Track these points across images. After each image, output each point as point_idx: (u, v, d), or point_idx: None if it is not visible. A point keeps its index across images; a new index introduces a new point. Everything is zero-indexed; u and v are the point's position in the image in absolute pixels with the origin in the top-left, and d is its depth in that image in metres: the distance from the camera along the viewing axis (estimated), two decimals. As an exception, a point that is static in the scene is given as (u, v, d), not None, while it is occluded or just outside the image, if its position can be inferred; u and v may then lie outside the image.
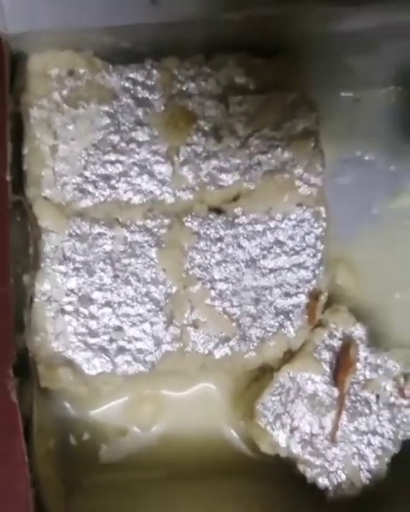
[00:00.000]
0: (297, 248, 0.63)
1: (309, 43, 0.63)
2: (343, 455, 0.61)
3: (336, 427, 0.61)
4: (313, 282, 0.63)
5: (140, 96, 0.62)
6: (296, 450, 0.61)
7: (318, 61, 0.65)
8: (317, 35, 0.62)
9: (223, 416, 0.67)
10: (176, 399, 0.67)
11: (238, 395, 0.66)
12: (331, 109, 0.71)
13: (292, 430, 0.61)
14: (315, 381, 0.62)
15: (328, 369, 0.62)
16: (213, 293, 0.61)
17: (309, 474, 0.61)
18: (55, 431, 0.65)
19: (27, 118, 0.61)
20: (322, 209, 0.63)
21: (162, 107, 0.62)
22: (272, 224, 0.62)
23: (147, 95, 0.62)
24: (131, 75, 0.62)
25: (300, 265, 0.62)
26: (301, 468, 0.61)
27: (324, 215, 0.63)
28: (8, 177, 0.56)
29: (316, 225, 0.63)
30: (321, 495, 0.62)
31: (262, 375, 0.65)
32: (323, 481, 0.61)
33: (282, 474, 0.64)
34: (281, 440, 0.61)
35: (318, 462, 0.61)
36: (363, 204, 0.71)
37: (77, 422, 0.66)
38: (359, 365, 0.63)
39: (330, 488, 0.61)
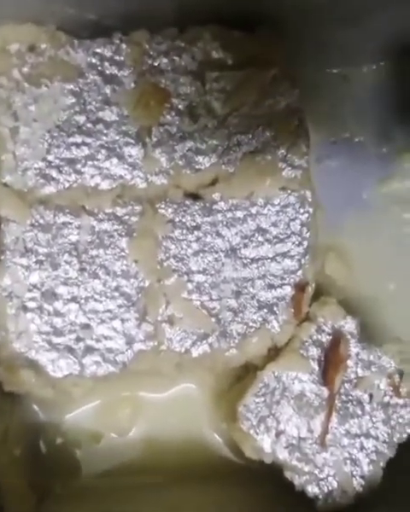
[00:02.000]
0: (281, 236, 0.59)
1: (291, 13, 0.60)
2: (334, 460, 0.58)
3: (325, 430, 0.58)
4: (299, 272, 0.60)
5: (108, 72, 0.59)
6: (283, 455, 0.58)
7: (301, 34, 0.62)
8: (300, 5, 0.59)
9: (205, 418, 0.64)
10: (155, 401, 0.64)
11: (220, 395, 0.63)
12: (317, 87, 0.68)
13: (278, 434, 0.58)
14: (302, 380, 0.59)
15: (316, 367, 0.59)
16: (190, 286, 0.58)
17: (297, 481, 0.58)
18: (24, 437, 0.62)
19: None
20: (308, 193, 0.60)
21: (132, 85, 0.59)
22: (253, 210, 0.59)
23: (116, 71, 0.59)
24: (99, 50, 0.59)
25: (284, 255, 0.59)
26: (288, 474, 0.58)
27: (309, 199, 0.60)
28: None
29: (301, 211, 0.60)
30: (312, 502, 0.59)
31: (245, 373, 0.62)
32: (312, 489, 0.58)
33: (269, 478, 0.60)
34: (266, 445, 0.57)
35: (306, 469, 0.58)
36: (353, 189, 0.69)
37: (48, 427, 0.63)
38: (350, 362, 0.60)
39: (321, 496, 0.58)
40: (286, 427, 0.58)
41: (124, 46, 0.59)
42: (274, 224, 0.59)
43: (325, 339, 0.60)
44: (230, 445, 0.63)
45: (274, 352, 0.60)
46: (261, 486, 0.62)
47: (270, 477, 0.60)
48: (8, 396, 0.58)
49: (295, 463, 0.58)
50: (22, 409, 0.62)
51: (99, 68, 0.59)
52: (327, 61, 0.68)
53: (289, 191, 0.60)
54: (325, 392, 0.59)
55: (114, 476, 0.63)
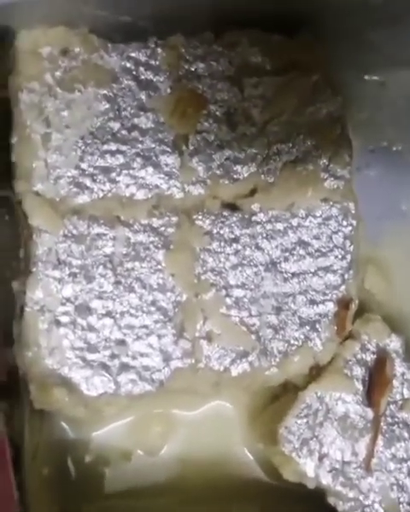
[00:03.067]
0: (323, 249, 0.58)
1: (331, 17, 0.59)
2: (380, 486, 0.56)
3: (371, 453, 0.56)
4: (342, 287, 0.58)
5: (143, 77, 0.57)
6: (326, 480, 0.55)
7: (339, 38, 0.61)
8: (340, 8, 0.58)
9: (238, 437, 0.62)
10: (187, 419, 0.62)
11: (256, 414, 0.61)
12: (354, 94, 0.66)
13: (321, 457, 0.56)
14: (346, 401, 0.57)
15: (361, 388, 0.57)
16: (228, 301, 0.56)
17: (341, 507, 0.56)
18: (52, 455, 0.60)
19: (16, 103, 0.55)
20: (351, 205, 0.58)
21: (168, 90, 0.57)
22: (294, 222, 0.57)
23: (151, 76, 0.57)
24: (133, 54, 0.57)
25: (327, 269, 0.57)
26: (331, 500, 0.56)
27: (353, 211, 0.58)
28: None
29: (344, 223, 0.58)
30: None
31: (283, 391, 0.60)
32: (357, 516, 0.55)
33: (305, 500, 0.59)
34: (309, 469, 0.55)
35: (351, 495, 0.56)
36: (391, 199, 0.67)
37: (76, 445, 0.61)
38: (395, 382, 0.58)
39: (366, 524, 0.55)
40: (330, 451, 0.56)
41: (159, 50, 0.57)
42: (316, 237, 0.57)
43: (370, 358, 0.58)
44: (264, 466, 0.61)
45: (316, 371, 0.58)
46: (297, 508, 0.60)
47: (307, 499, 0.58)
48: (37, 413, 0.56)
49: (340, 489, 0.55)
50: (50, 426, 0.60)
51: (134, 73, 0.57)
52: (365, 67, 0.66)
53: (331, 203, 0.58)
54: (369, 413, 0.57)
55: (144, 496, 0.61)
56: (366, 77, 0.67)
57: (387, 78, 0.67)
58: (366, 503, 0.56)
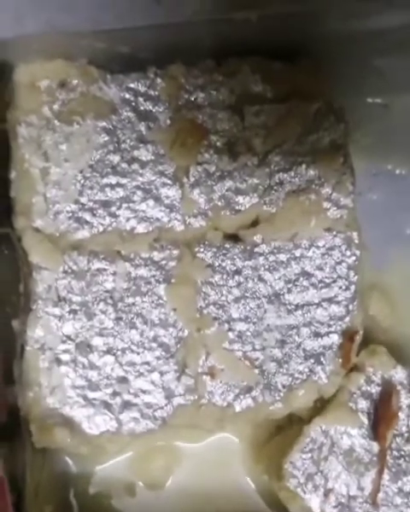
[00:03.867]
0: (327, 280, 0.57)
1: (333, 44, 0.58)
2: None
3: (377, 488, 0.55)
4: (347, 319, 0.57)
5: (142, 108, 0.56)
6: None
7: (342, 65, 0.60)
8: (341, 35, 0.57)
9: (243, 469, 0.61)
10: (191, 451, 0.61)
11: (260, 446, 0.61)
12: (357, 117, 0.65)
13: (327, 493, 0.55)
14: (352, 434, 0.56)
15: (366, 421, 0.56)
16: (231, 335, 0.55)
17: None
18: (55, 491, 0.59)
19: (15, 137, 0.55)
20: (354, 234, 0.57)
21: (168, 121, 0.56)
22: (297, 253, 0.57)
23: (150, 107, 0.56)
24: (132, 85, 0.56)
25: (331, 300, 0.57)
26: None
27: (356, 241, 0.58)
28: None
29: (348, 253, 0.57)
30: None
31: (287, 423, 0.59)
32: (363, 552, 0.54)
33: None
34: (314, 505, 0.55)
35: None
36: (395, 224, 0.66)
37: (79, 479, 0.60)
38: (401, 415, 0.57)
39: None
40: (335, 485, 0.55)
41: (159, 80, 0.57)
42: (319, 268, 0.57)
43: (375, 390, 0.57)
44: (268, 499, 0.60)
45: (321, 404, 0.57)
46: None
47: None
48: (39, 450, 0.55)
49: (346, 524, 0.55)
50: (53, 461, 0.59)
51: (133, 104, 0.56)
52: (368, 90, 0.66)
53: (334, 232, 0.57)
54: (375, 447, 0.56)
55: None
56: (370, 100, 0.67)
57: (390, 101, 0.66)
58: (373, 538, 0.55)
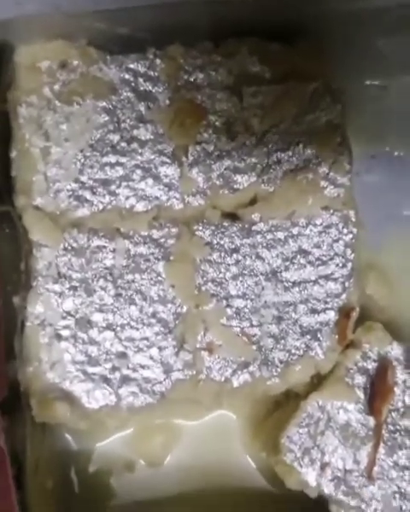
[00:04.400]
0: (324, 258, 0.57)
1: (331, 24, 0.58)
2: (382, 494, 0.56)
3: (373, 461, 0.56)
4: (343, 296, 0.57)
5: (142, 89, 0.57)
6: (328, 489, 0.55)
7: (340, 45, 0.60)
8: (339, 14, 0.57)
9: (241, 446, 0.62)
10: (190, 429, 0.62)
11: (258, 423, 0.61)
12: (355, 99, 0.65)
13: (323, 466, 0.55)
14: (348, 409, 0.57)
15: (362, 396, 0.57)
16: (229, 311, 0.56)
17: None
18: (55, 467, 0.60)
19: (15, 117, 0.56)
20: (351, 212, 0.58)
21: (167, 102, 0.57)
22: (294, 231, 0.57)
23: (150, 87, 0.57)
24: (132, 66, 0.57)
25: (328, 277, 0.57)
26: (333, 509, 0.56)
27: (353, 219, 0.58)
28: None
29: (345, 231, 0.58)
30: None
31: (285, 399, 0.59)
32: (359, 525, 0.55)
33: (309, 508, 0.58)
34: (310, 478, 0.55)
35: (353, 503, 0.55)
36: (393, 205, 0.66)
37: (79, 456, 0.61)
38: (397, 390, 0.57)
39: (368, 532, 0.55)
40: (331, 459, 0.56)
41: (158, 61, 0.57)
42: (317, 246, 0.57)
43: (371, 366, 0.57)
44: (267, 475, 0.61)
45: (317, 380, 0.58)
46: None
47: (310, 507, 0.58)
48: (39, 425, 0.56)
49: (342, 498, 0.55)
50: (53, 437, 0.60)
51: (132, 85, 0.57)
52: (366, 72, 0.66)
53: (331, 211, 0.58)
54: (371, 421, 0.57)
55: (148, 506, 0.61)
56: (368, 82, 0.67)
57: (388, 82, 0.66)
58: (369, 511, 0.56)
